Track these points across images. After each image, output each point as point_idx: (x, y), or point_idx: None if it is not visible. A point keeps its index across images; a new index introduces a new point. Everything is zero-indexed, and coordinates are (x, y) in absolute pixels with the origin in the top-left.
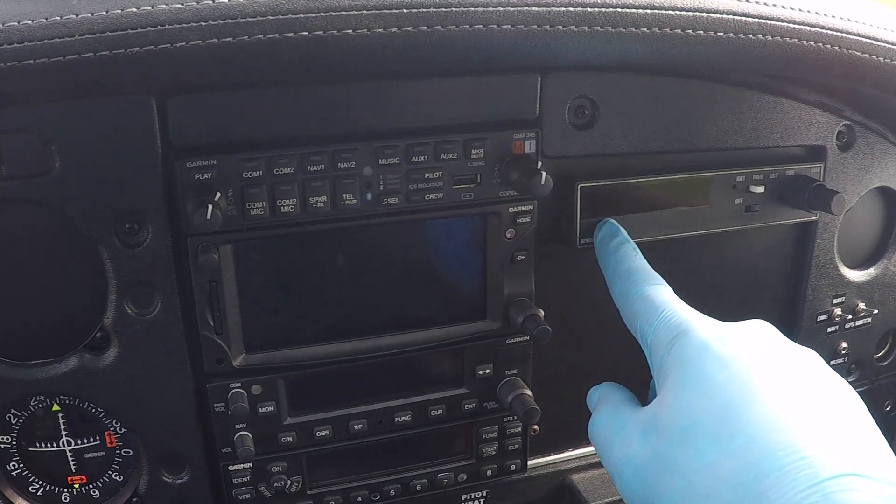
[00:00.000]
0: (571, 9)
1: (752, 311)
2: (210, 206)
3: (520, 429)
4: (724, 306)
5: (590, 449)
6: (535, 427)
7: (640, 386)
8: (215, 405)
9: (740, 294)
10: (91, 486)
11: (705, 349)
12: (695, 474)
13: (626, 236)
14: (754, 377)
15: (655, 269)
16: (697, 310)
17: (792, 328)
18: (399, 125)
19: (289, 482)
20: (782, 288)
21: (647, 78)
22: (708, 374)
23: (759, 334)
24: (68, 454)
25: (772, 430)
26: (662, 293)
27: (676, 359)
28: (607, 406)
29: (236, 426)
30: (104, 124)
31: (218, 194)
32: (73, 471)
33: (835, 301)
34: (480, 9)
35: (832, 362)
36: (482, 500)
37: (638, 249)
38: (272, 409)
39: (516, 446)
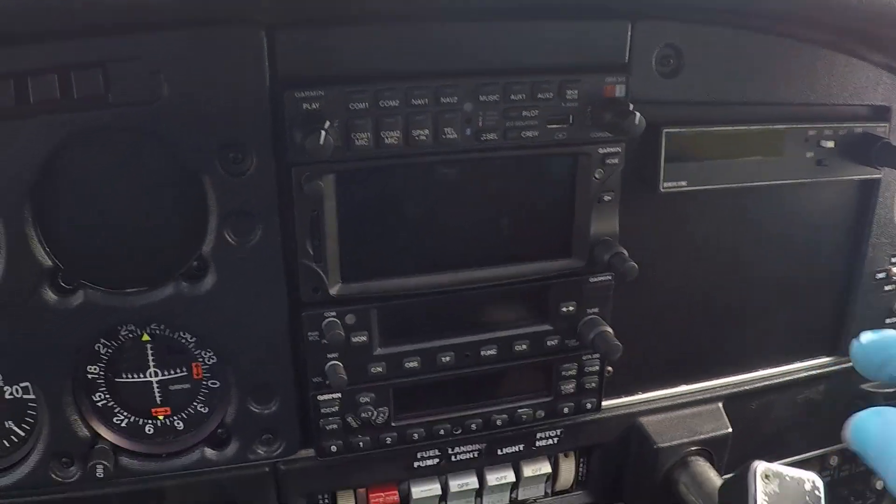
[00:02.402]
0: None
1: (814, 266)
2: (323, 132)
3: (597, 367)
4: (788, 258)
5: (658, 393)
6: (610, 368)
7: (716, 329)
8: (309, 334)
9: (803, 247)
10: (175, 418)
11: None
12: None
13: None
14: None
15: (729, 218)
16: (763, 259)
17: (850, 285)
18: (498, 64)
19: (375, 413)
20: (843, 244)
21: (730, 31)
22: None
23: None
24: (154, 385)
25: None
26: None
27: None
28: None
29: (328, 355)
30: (213, 55)
31: (327, 123)
32: (158, 402)
33: (893, 260)
34: None
35: (887, 320)
36: (556, 440)
37: None
38: (364, 339)
39: (593, 385)
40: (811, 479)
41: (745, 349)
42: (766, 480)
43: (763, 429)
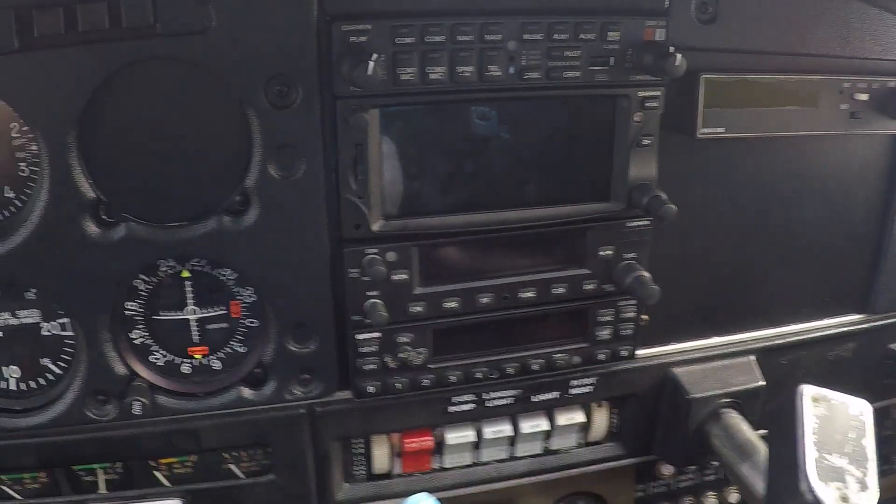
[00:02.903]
0: None
1: (845, 222)
2: (371, 63)
3: (633, 313)
4: (820, 212)
5: (692, 343)
6: (645, 317)
7: (748, 280)
8: (350, 271)
9: (835, 202)
10: (212, 357)
11: None
12: None
13: None
14: None
15: (763, 168)
16: (795, 212)
17: (881, 243)
18: (542, 4)
19: (413, 354)
20: (875, 201)
21: None
22: None
23: None
24: (192, 323)
25: None
26: None
27: None
28: None
29: (368, 293)
30: None
31: (374, 55)
32: (196, 341)
33: None
34: None
35: None
36: (590, 388)
37: None
38: (405, 276)
39: (628, 331)
40: (859, 404)
41: (776, 303)
42: (815, 404)
43: (793, 385)
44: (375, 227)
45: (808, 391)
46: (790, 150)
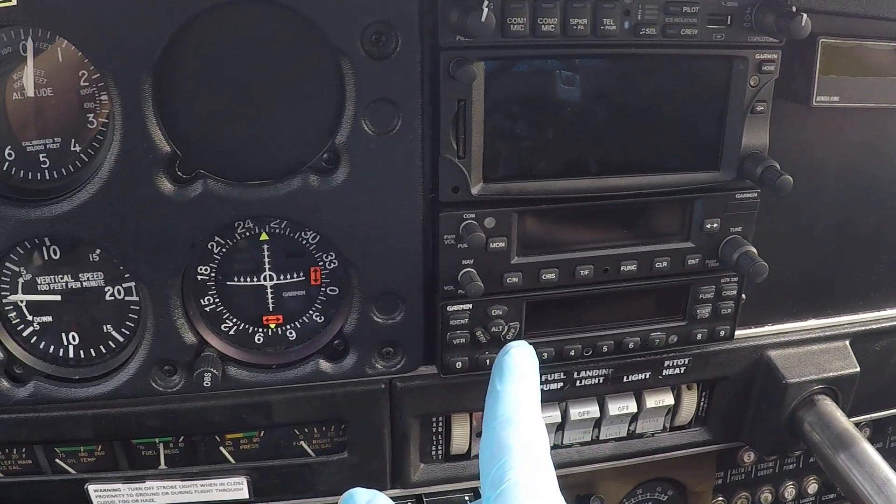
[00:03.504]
0: None
1: None
2: (486, 9)
3: (734, 291)
4: None
5: (789, 325)
6: (743, 295)
7: (850, 259)
8: (445, 237)
9: None
10: (287, 327)
11: None
12: None
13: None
14: None
15: (878, 141)
16: None
17: None
18: None
19: (506, 328)
20: None
21: None
22: None
23: None
24: (268, 290)
25: None
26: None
27: None
28: None
29: (463, 262)
30: None
31: (486, 1)
32: (270, 309)
33: None
34: None
35: None
36: (683, 369)
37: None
38: (503, 245)
39: (728, 310)
40: None
41: (874, 285)
42: None
43: (886, 372)
44: (475, 190)
45: None
46: None
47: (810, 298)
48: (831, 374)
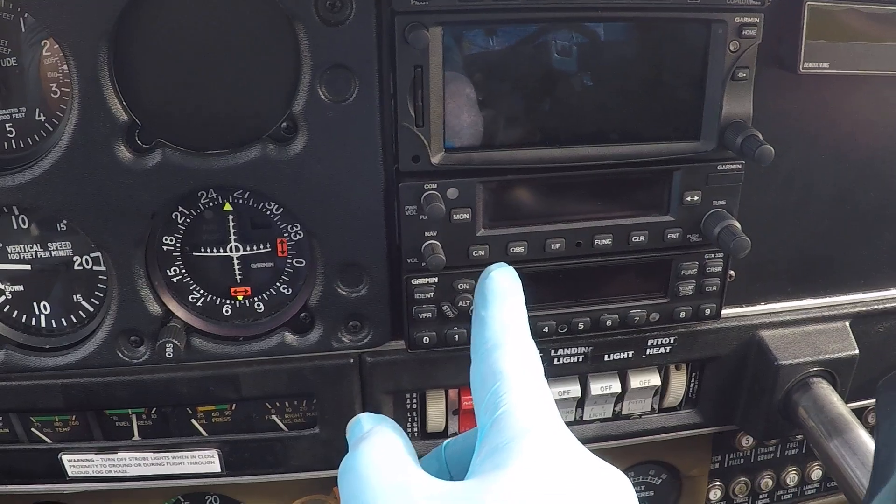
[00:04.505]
0: None
1: None
2: None
3: (720, 268)
4: None
5: (783, 305)
6: (732, 272)
7: (847, 236)
8: (406, 207)
9: None
10: (256, 299)
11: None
12: None
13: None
14: None
15: (871, 110)
16: None
17: None
18: None
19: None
20: None
21: None
22: None
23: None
24: (235, 261)
25: None
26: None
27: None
28: (385, 451)
29: (426, 233)
30: None
31: None
32: (238, 281)
33: None
34: None
35: None
36: (668, 349)
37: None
38: (467, 217)
39: (714, 287)
40: None
41: (876, 263)
42: None
43: (889, 355)
44: (435, 159)
45: None
46: None
47: (807, 276)
48: (827, 356)
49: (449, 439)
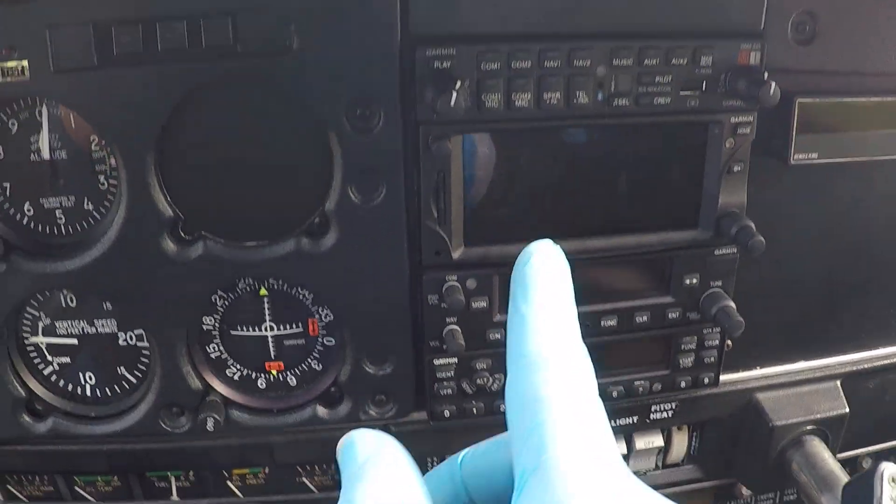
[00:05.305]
0: None
1: None
2: (455, 93)
3: (717, 342)
4: None
5: (777, 368)
6: (729, 342)
7: (838, 305)
8: (429, 297)
9: None
10: (288, 373)
11: None
12: None
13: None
14: None
15: (857, 192)
16: (889, 236)
17: None
18: (632, 27)
19: (491, 380)
20: None
21: None
22: None
23: None
24: (269, 340)
25: None
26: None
27: None
28: (384, 494)
29: (447, 319)
30: (345, 8)
31: (458, 83)
32: (272, 357)
33: None
34: None
35: None
36: (670, 413)
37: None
38: (484, 304)
39: (712, 359)
40: None
41: (865, 327)
42: (894, 484)
43: (879, 410)
44: (456, 254)
45: (887, 472)
46: (886, 173)
47: (799, 342)
48: (819, 415)
49: (465, 452)
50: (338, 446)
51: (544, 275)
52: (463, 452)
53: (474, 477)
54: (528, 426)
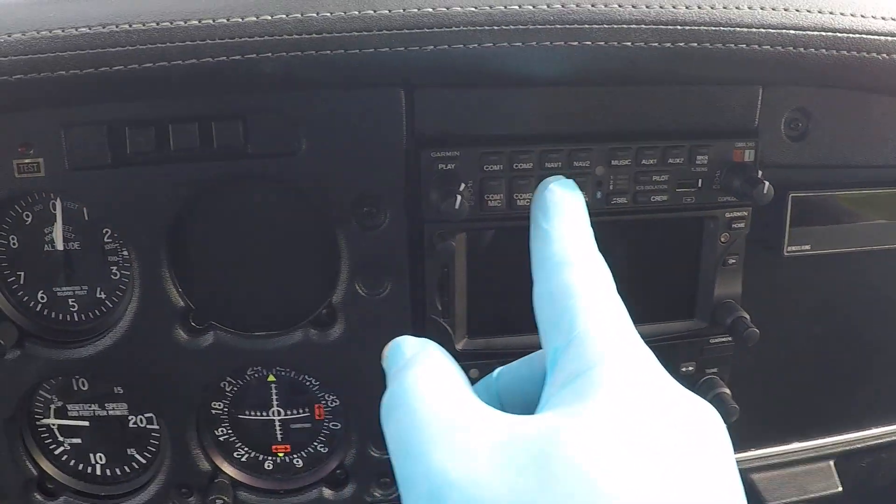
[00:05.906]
0: (826, 34)
1: None
2: (459, 196)
3: None
4: None
5: (772, 450)
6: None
7: (831, 388)
8: None
9: None
10: (295, 456)
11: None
12: None
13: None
14: None
15: (849, 280)
16: (882, 322)
17: None
18: (630, 129)
19: None
20: None
21: (857, 94)
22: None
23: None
24: (276, 424)
25: None
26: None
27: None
28: (435, 379)
29: None
30: (352, 111)
31: (463, 185)
32: (279, 440)
33: None
34: (745, 29)
35: None
36: None
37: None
38: None
39: None
40: None
41: (861, 407)
42: None
43: (872, 487)
44: (459, 345)
45: None
46: (876, 261)
47: (794, 424)
48: (812, 495)
49: (502, 367)
50: (383, 353)
51: (562, 198)
52: (498, 369)
53: (508, 387)
54: (558, 313)
